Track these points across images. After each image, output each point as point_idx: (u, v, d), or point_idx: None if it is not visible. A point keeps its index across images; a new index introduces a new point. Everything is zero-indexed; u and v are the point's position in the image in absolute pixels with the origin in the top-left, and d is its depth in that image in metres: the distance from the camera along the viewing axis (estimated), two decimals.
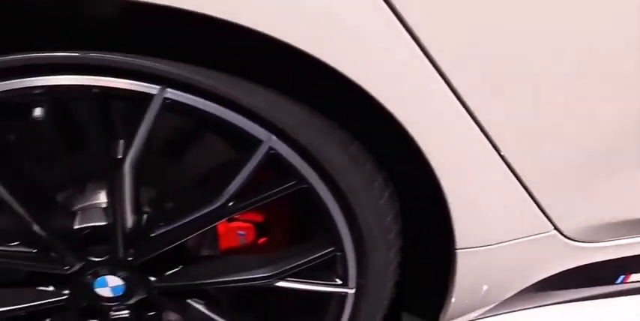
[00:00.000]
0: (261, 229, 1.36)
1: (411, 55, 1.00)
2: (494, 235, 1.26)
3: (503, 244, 1.27)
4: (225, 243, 1.36)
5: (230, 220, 1.32)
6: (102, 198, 1.24)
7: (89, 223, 1.20)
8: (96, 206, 1.24)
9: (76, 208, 1.23)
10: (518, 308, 1.48)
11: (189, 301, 1.29)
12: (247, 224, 1.35)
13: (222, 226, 1.33)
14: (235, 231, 1.35)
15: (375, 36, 0.98)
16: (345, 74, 0.99)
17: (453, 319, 1.43)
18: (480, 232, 1.24)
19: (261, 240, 1.38)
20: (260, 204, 1.17)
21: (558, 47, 1.04)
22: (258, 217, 1.34)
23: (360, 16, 0.96)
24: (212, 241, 1.35)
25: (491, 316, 1.47)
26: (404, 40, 0.98)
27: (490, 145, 1.12)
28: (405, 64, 1.01)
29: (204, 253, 1.35)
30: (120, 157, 1.08)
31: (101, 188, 1.25)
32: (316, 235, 1.26)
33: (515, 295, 1.41)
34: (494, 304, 1.43)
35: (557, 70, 1.06)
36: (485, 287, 1.32)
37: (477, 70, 1.04)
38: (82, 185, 1.25)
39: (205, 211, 1.16)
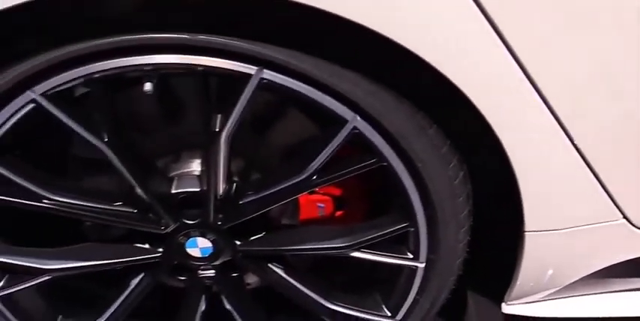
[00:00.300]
0: (338, 203, 1.46)
1: (490, 44, 1.06)
2: (563, 220, 1.30)
3: (571, 229, 1.31)
4: (304, 214, 1.45)
5: (311, 193, 1.41)
6: (196, 167, 1.36)
7: (185, 188, 1.31)
8: (191, 174, 1.36)
9: (173, 174, 1.35)
10: (581, 293, 1.52)
11: (269, 265, 1.40)
12: (326, 197, 1.44)
13: (303, 197, 1.42)
14: (315, 203, 1.44)
15: (456, 23, 1.04)
16: (425, 59, 1.05)
17: (516, 299, 1.49)
18: (548, 216, 1.29)
19: (338, 213, 1.47)
20: (341, 179, 1.26)
21: None
22: (337, 191, 1.43)
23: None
24: (293, 212, 1.46)
25: (553, 298, 1.51)
26: (483, 28, 1.04)
27: (563, 133, 1.17)
28: (485, 52, 1.07)
29: (285, 222, 1.46)
30: (217, 130, 1.19)
31: (196, 158, 1.37)
32: (392, 210, 1.35)
33: (579, 280, 1.45)
34: (557, 288, 1.47)
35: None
36: (550, 271, 1.38)
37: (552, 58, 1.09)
38: (179, 154, 1.36)
39: (291, 182, 1.25)
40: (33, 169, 1.28)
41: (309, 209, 1.45)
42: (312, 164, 1.22)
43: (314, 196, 1.43)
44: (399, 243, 1.35)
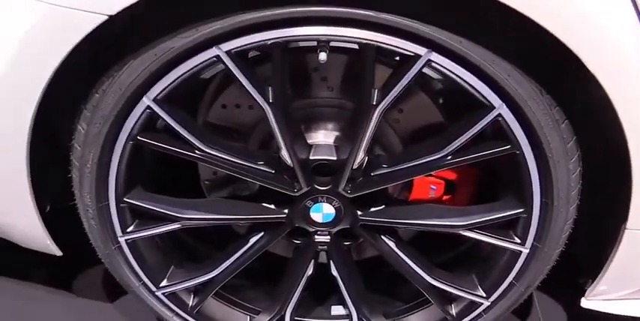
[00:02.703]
0: (449, 187, 1.54)
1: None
2: None
3: None
4: (416, 193, 1.54)
5: (428, 175, 1.50)
6: (333, 137, 1.45)
7: (322, 155, 1.40)
8: (328, 143, 1.44)
9: (312, 141, 1.43)
10: None
11: (382, 237, 1.48)
12: (440, 180, 1.52)
13: (418, 178, 1.51)
14: (429, 184, 1.53)
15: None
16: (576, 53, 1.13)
17: (598, 295, 1.56)
18: None
19: (446, 197, 1.56)
20: (471, 162, 1.34)
21: None
22: (452, 175, 1.52)
23: None
24: (406, 190, 1.54)
25: (632, 298, 1.58)
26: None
27: None
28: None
29: (397, 198, 1.55)
30: (374, 103, 1.27)
31: (334, 128, 1.46)
32: (507, 196, 1.43)
33: None
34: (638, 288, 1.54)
35: None
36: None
37: None
38: (319, 124, 1.45)
39: (425, 160, 1.34)
40: (192, 120, 1.36)
41: (421, 190, 1.53)
42: (451, 145, 1.31)
43: (429, 178, 1.52)
44: (506, 227, 1.43)
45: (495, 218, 1.40)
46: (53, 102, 1.30)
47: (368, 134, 1.31)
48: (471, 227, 1.41)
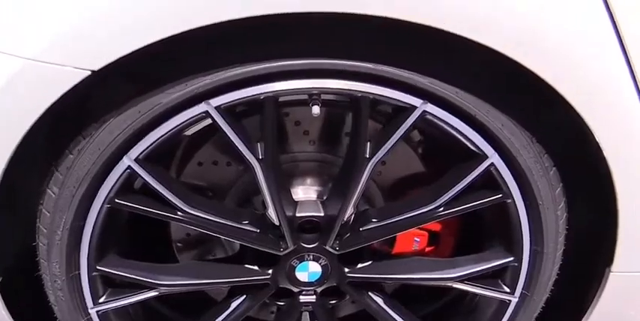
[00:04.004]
0: (432, 238, 1.49)
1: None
2: None
3: None
4: (399, 247, 1.47)
5: None
6: (318, 193, 1.38)
7: (309, 212, 1.32)
8: (313, 199, 1.37)
9: (297, 198, 1.35)
10: None
11: (370, 293, 1.40)
12: (424, 232, 1.47)
13: None
14: (412, 237, 1.47)
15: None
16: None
17: None
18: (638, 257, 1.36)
19: (428, 248, 1.50)
20: (462, 213, 1.30)
21: None
22: (436, 227, 1.47)
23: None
24: (389, 243, 1.48)
25: None
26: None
27: None
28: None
29: (380, 252, 1.48)
30: (367, 156, 1.21)
31: (320, 184, 1.38)
32: (494, 245, 1.38)
33: None
34: None
35: None
36: (632, 312, 1.43)
37: None
38: (305, 179, 1.38)
39: (417, 212, 1.28)
40: (174, 179, 1.26)
41: (405, 242, 1.47)
42: (444, 196, 1.26)
43: (412, 230, 1.46)
44: (494, 276, 1.39)
45: (485, 269, 1.35)
46: (16, 163, 1.17)
47: (359, 188, 1.25)
48: (461, 279, 1.36)
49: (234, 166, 1.40)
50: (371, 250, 1.42)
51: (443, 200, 1.27)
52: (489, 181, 1.26)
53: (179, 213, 1.24)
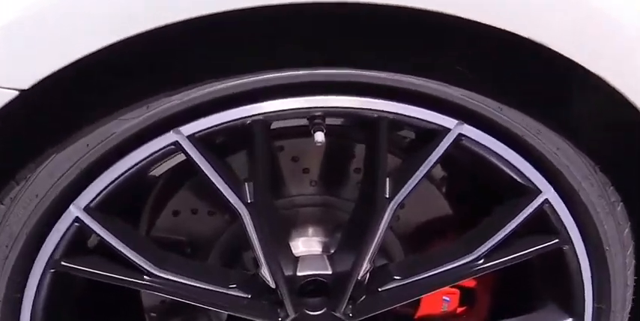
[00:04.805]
0: (465, 297, 1.19)
1: None
2: None
3: None
4: (425, 308, 1.17)
5: None
6: (323, 245, 1.08)
7: (313, 270, 1.02)
8: (316, 253, 1.07)
9: (297, 252, 1.06)
10: None
11: None
12: (454, 290, 1.17)
13: None
14: (441, 296, 1.17)
15: None
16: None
17: None
18: None
19: (460, 309, 1.20)
20: (508, 264, 1.01)
21: None
22: (470, 282, 1.17)
23: None
24: (410, 305, 1.17)
25: None
26: None
27: None
28: None
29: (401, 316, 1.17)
30: (387, 196, 0.93)
31: (325, 234, 1.09)
32: (545, 305, 1.09)
33: None
34: None
35: None
36: None
37: None
38: (306, 227, 1.09)
39: (451, 266, 0.99)
40: (138, 235, 0.96)
41: (432, 303, 1.17)
42: (484, 245, 0.97)
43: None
44: None
45: None
46: None
47: (377, 237, 0.95)
48: None
49: (218, 215, 1.11)
50: (392, 314, 1.13)
51: (484, 250, 0.98)
52: (541, 223, 0.98)
53: (146, 277, 0.94)
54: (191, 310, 1.19)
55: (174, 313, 1.20)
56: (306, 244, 1.09)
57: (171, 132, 0.85)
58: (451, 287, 1.16)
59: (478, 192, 1.13)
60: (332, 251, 1.05)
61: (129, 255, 0.92)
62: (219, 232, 1.11)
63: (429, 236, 1.14)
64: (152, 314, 1.19)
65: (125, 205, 0.98)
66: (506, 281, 1.18)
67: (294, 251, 1.05)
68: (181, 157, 0.93)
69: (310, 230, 1.11)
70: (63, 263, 0.92)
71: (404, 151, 1.08)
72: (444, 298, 1.17)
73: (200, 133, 0.86)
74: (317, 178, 1.10)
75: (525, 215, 0.95)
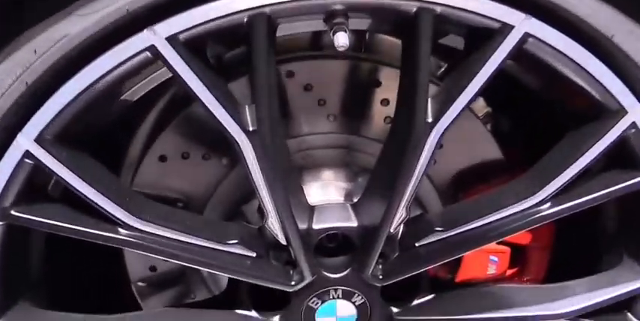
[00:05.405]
0: (515, 256, 0.97)
1: None
2: None
3: None
4: (466, 271, 0.96)
5: None
6: (346, 192, 0.87)
7: (334, 222, 0.81)
8: (338, 202, 0.86)
9: (313, 202, 0.84)
10: None
11: None
12: (505, 248, 0.95)
13: None
14: (487, 255, 0.95)
15: None
16: None
17: None
18: None
19: (510, 271, 0.99)
20: (578, 210, 0.79)
21: None
22: (524, 238, 0.96)
23: None
24: (448, 266, 0.96)
25: None
26: None
27: None
28: None
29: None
30: (429, 120, 0.71)
31: (347, 179, 0.87)
32: (621, 262, 0.88)
33: None
34: None
35: None
36: None
37: None
38: (323, 168, 0.87)
39: (509, 212, 0.77)
40: (111, 177, 0.75)
41: (476, 264, 0.96)
42: (552, 183, 0.75)
43: (488, 246, 0.94)
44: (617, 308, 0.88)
45: (613, 297, 0.85)
46: None
47: (416, 176, 0.74)
48: (576, 317, 0.84)
49: (215, 160, 0.89)
50: (432, 276, 0.91)
51: (550, 191, 0.76)
52: (624, 155, 0.76)
53: (122, 230, 0.73)
54: (185, 277, 0.99)
55: (165, 283, 1.00)
56: (325, 191, 0.87)
57: (144, 31, 0.63)
58: (499, 245, 0.95)
59: (532, 130, 0.91)
60: (355, 199, 0.84)
61: (97, 201, 0.71)
62: (216, 180, 0.90)
63: (473, 184, 0.93)
64: (140, 284, 0.98)
65: (96, 140, 0.76)
66: (568, 234, 0.96)
67: (309, 199, 0.84)
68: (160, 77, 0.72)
69: (329, 174, 0.89)
70: (13, 213, 0.71)
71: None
72: (491, 257, 0.96)
73: (184, 35, 0.65)
74: (337, 112, 0.88)
75: (606, 144, 0.74)
